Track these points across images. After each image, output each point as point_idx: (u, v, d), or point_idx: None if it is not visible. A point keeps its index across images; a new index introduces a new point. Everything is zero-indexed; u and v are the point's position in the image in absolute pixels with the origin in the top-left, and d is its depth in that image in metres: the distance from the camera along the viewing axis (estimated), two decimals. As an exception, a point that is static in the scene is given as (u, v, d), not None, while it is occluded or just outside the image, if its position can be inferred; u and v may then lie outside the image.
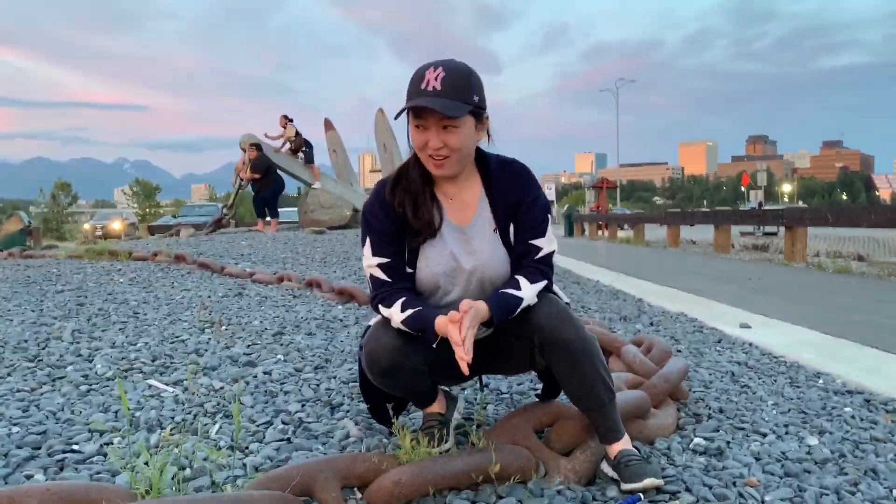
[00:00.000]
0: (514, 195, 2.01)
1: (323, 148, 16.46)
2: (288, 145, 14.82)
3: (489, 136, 2.02)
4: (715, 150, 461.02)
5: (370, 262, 2.00)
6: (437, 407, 2.18)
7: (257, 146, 13.52)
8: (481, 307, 1.85)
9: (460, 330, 1.77)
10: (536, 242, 2.01)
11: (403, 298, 1.92)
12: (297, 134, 14.82)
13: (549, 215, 2.05)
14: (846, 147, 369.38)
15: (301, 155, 14.88)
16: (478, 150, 2.03)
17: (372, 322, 2.06)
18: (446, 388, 2.29)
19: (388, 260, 1.99)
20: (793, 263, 11.10)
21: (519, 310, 1.91)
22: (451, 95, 1.81)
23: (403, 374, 1.95)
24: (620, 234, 24.37)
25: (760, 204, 34.38)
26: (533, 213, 2.00)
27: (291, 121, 14.92)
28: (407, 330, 1.90)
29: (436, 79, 1.82)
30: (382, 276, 1.98)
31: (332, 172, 16.38)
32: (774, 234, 24.74)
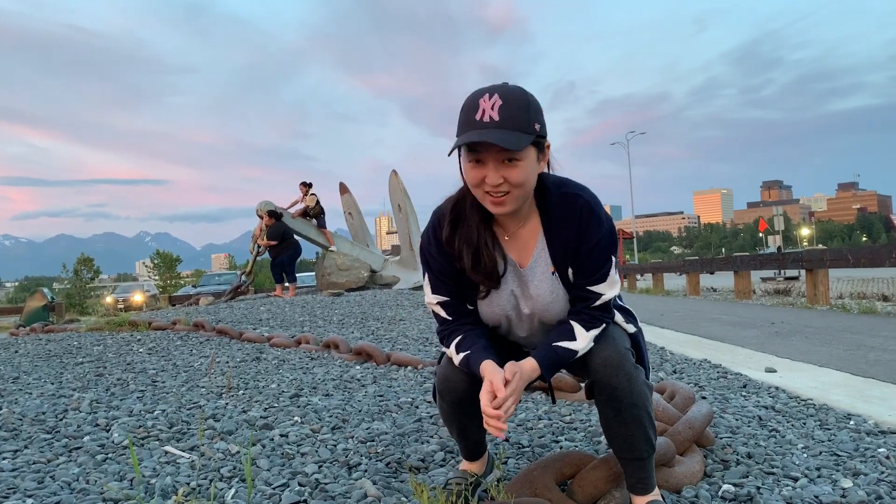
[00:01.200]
0: (574, 236, 1.79)
1: (338, 212, 16.66)
2: (300, 207, 14.95)
3: (549, 165, 1.84)
4: (730, 198, 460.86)
5: (430, 300, 1.93)
6: (477, 467, 2.13)
7: (273, 213, 13.69)
8: (528, 369, 1.76)
9: (499, 396, 1.67)
10: (595, 289, 1.82)
11: (459, 338, 1.86)
12: (318, 202, 15.00)
13: (614, 256, 1.83)
14: (862, 188, 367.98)
15: (314, 220, 15.01)
16: (539, 177, 1.80)
17: (444, 350, 1.99)
18: (491, 452, 2.25)
19: (448, 298, 1.90)
20: (816, 306, 10.94)
21: (577, 355, 1.82)
22: (510, 126, 1.62)
23: (469, 406, 1.89)
24: (639, 283, 24.20)
25: (779, 248, 34.12)
26: (593, 257, 1.79)
27: (310, 186, 15.08)
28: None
29: (492, 108, 1.62)
30: (443, 314, 1.92)
31: (348, 235, 16.51)
32: (796, 278, 24.45)
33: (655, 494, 1.92)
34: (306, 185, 15.08)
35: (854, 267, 10.49)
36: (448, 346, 1.89)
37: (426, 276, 1.92)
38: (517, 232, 1.86)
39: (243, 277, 15.64)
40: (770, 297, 15.09)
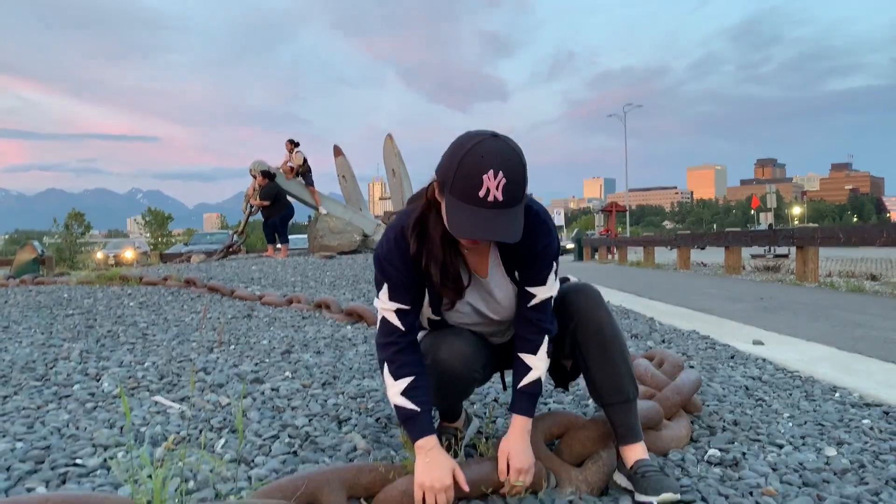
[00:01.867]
0: (525, 243, 1.85)
1: (332, 175, 16.54)
2: (287, 166, 14.79)
3: None
4: (724, 174, 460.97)
5: (386, 306, 1.88)
6: (457, 423, 2.17)
7: (266, 173, 13.59)
8: (522, 433, 1.87)
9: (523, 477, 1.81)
10: (533, 290, 1.90)
11: (410, 380, 1.84)
12: (305, 161, 14.85)
13: (555, 263, 1.92)
14: (856, 169, 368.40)
15: (300, 178, 14.86)
16: None
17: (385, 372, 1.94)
18: (467, 409, 2.29)
19: (407, 307, 1.88)
20: (805, 283, 11.00)
21: (545, 377, 1.95)
22: (512, 204, 1.64)
23: (469, 380, 1.95)
24: (630, 256, 24.27)
25: (771, 226, 34.24)
26: (536, 261, 1.88)
27: (297, 145, 14.92)
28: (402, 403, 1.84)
29: (497, 188, 1.60)
30: (396, 322, 1.88)
31: (341, 199, 16.44)
32: (785, 256, 24.57)
33: (644, 450, 1.95)
34: (293, 143, 14.90)
35: (845, 245, 10.53)
36: (395, 378, 1.85)
37: (384, 285, 1.88)
38: (474, 247, 1.88)
39: (235, 237, 15.59)
40: (760, 273, 15.17)
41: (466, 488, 1.76)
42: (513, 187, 1.63)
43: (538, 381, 1.91)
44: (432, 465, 1.75)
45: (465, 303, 1.95)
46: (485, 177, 1.60)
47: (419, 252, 1.83)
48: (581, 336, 1.96)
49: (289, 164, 14.70)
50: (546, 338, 1.92)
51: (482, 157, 1.61)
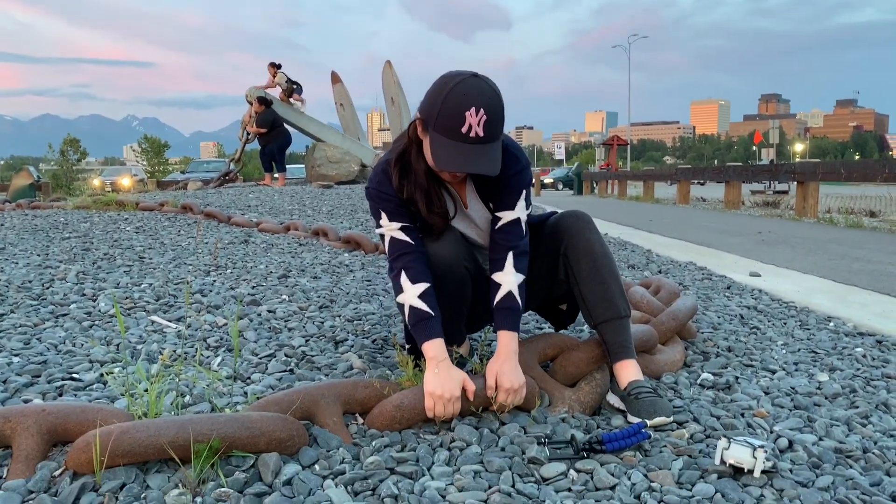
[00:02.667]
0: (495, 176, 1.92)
1: (329, 105, 16.28)
2: (279, 91, 14.53)
3: None
4: (727, 110, 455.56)
5: (390, 227, 1.94)
6: (461, 349, 2.19)
7: (263, 99, 13.37)
8: (510, 347, 1.87)
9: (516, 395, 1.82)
10: (500, 214, 1.98)
11: (426, 286, 1.88)
12: (288, 80, 14.53)
13: (525, 191, 1.99)
14: (860, 106, 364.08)
15: (297, 104, 14.61)
16: None
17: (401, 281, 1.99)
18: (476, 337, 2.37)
19: (410, 225, 1.94)
20: (804, 218, 10.99)
21: (517, 291, 1.93)
22: (492, 140, 1.74)
23: (460, 271, 1.96)
24: (630, 191, 24.18)
25: (772, 162, 34.00)
26: (508, 188, 1.97)
27: (279, 67, 14.60)
28: (418, 305, 1.87)
29: (478, 124, 1.69)
30: (404, 238, 1.93)
31: (339, 127, 16.23)
32: (785, 192, 24.49)
33: (638, 371, 1.96)
34: (275, 66, 14.56)
35: (846, 181, 10.48)
36: (412, 283, 1.88)
37: (381, 212, 1.94)
38: (453, 179, 1.97)
39: (232, 165, 15.46)
40: (759, 208, 15.15)
41: (472, 398, 1.79)
42: (493, 124, 1.72)
43: (510, 295, 1.92)
44: (442, 375, 1.76)
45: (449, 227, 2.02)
46: (467, 114, 1.69)
47: (401, 185, 1.91)
48: (572, 255, 2.02)
49: (275, 87, 14.32)
50: (510, 254, 1.95)
51: (464, 96, 1.70)
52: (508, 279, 1.93)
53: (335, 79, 15.88)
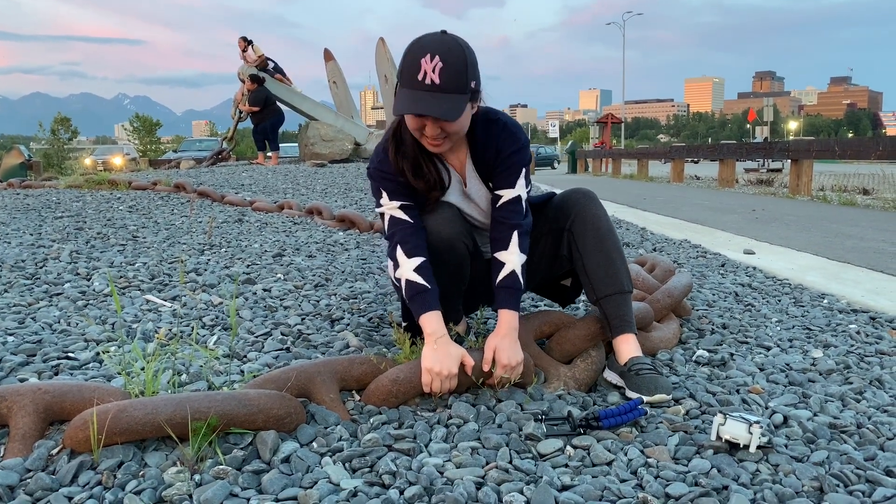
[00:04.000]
0: (494, 153, 1.96)
1: (323, 83, 16.14)
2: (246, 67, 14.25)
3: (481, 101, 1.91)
4: (721, 87, 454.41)
5: (389, 206, 1.94)
6: (459, 328, 2.19)
7: (255, 77, 13.24)
8: (510, 325, 1.87)
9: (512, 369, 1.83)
10: (500, 192, 1.98)
11: (422, 259, 1.89)
12: (263, 57, 14.28)
13: (524, 170, 1.99)
14: (854, 84, 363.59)
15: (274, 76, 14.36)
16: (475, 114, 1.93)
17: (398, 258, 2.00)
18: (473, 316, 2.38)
19: (410, 203, 1.94)
20: (798, 196, 11.00)
21: (520, 271, 1.93)
22: (450, 89, 1.70)
23: (458, 247, 1.95)
24: (624, 169, 24.16)
25: (766, 140, 33.99)
26: (505, 165, 1.96)
27: (251, 43, 14.36)
28: (414, 278, 1.87)
29: (433, 70, 1.67)
30: (403, 216, 1.93)
31: (332, 105, 16.12)
32: (779, 170, 24.52)
33: (637, 348, 1.96)
34: (246, 41, 14.29)
35: (840, 159, 10.49)
36: (407, 257, 1.88)
37: (382, 192, 1.95)
38: (448, 156, 1.99)
39: (225, 143, 15.36)
40: (753, 186, 15.16)
41: (470, 373, 1.79)
42: (450, 72, 1.69)
43: (513, 275, 1.92)
44: (440, 351, 1.76)
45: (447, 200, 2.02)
46: (422, 60, 1.68)
47: (396, 159, 1.91)
48: (578, 229, 2.02)
49: (251, 62, 14.00)
50: (515, 233, 1.94)
51: (422, 46, 1.71)
52: (512, 258, 1.93)
53: (328, 56, 15.74)
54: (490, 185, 2.00)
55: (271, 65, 14.24)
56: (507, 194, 1.97)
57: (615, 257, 2.00)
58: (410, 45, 1.73)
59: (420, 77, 1.68)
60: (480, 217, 2.06)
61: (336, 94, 15.89)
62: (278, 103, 13.86)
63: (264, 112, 13.23)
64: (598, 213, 2.03)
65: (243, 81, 13.49)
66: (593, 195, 2.08)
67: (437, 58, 1.68)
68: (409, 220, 1.93)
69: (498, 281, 1.93)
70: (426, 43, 1.71)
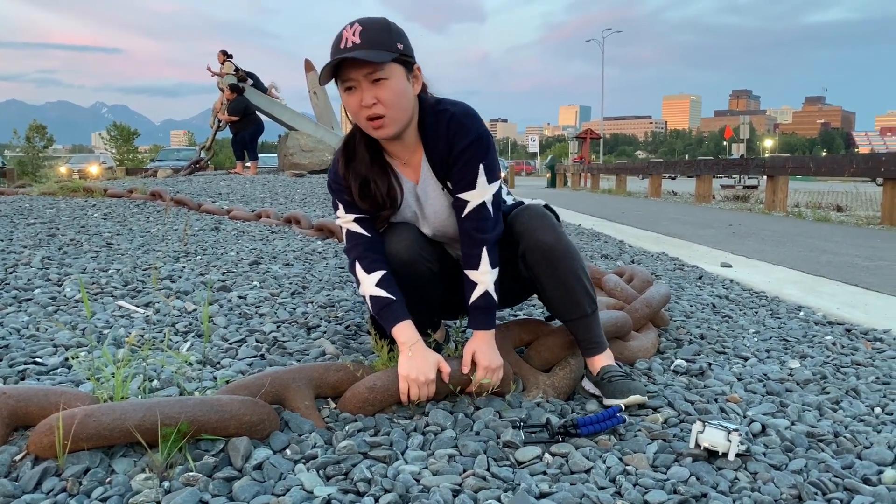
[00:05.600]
0: (446, 148, 1.85)
1: (303, 94, 16.10)
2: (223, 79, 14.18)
3: (425, 86, 1.86)
4: (699, 104, 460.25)
5: (346, 219, 1.92)
6: (437, 335, 2.17)
7: (235, 87, 13.18)
8: (486, 342, 1.84)
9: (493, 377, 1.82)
10: (463, 196, 1.86)
11: (383, 273, 1.86)
12: (237, 69, 14.24)
13: (483, 164, 1.85)
14: (829, 103, 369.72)
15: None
16: (421, 102, 1.86)
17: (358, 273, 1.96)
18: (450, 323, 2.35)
19: (365, 216, 1.90)
20: (773, 212, 11.13)
21: (493, 288, 1.86)
22: (371, 46, 1.68)
23: (421, 270, 1.91)
24: (603, 184, 24.33)
25: (743, 156, 34.40)
26: (460, 163, 1.84)
27: (230, 57, 14.34)
28: (379, 293, 1.84)
29: (353, 34, 1.68)
30: (360, 230, 1.90)
31: (312, 116, 16.07)
32: (755, 187, 24.82)
33: (609, 357, 1.95)
34: (225, 55, 14.26)
35: (815, 175, 10.64)
36: (367, 273, 1.86)
37: (338, 204, 1.92)
38: (410, 159, 1.92)
39: (202, 153, 15.24)
40: (729, 202, 15.32)
41: (447, 380, 1.77)
42: (370, 32, 1.69)
43: (487, 294, 1.85)
44: (416, 358, 1.73)
45: (402, 214, 1.97)
46: (343, 31, 1.71)
47: (346, 172, 1.88)
48: (530, 258, 1.89)
49: (222, 76, 13.93)
50: (484, 249, 1.85)
51: (346, 24, 1.73)
52: (484, 278, 1.85)
53: (308, 67, 15.70)
54: (449, 186, 1.90)
55: (251, 82, 14.18)
56: (471, 200, 1.85)
57: (572, 283, 1.87)
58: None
59: (342, 45, 1.69)
60: (437, 223, 1.97)
61: (316, 104, 15.86)
62: (258, 113, 13.80)
63: (243, 122, 13.16)
64: (546, 240, 1.85)
65: (222, 91, 13.42)
66: (542, 214, 1.91)
67: (356, 24, 1.70)
68: (366, 233, 1.90)
69: (471, 301, 1.87)
70: (351, 21, 1.74)
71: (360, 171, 1.87)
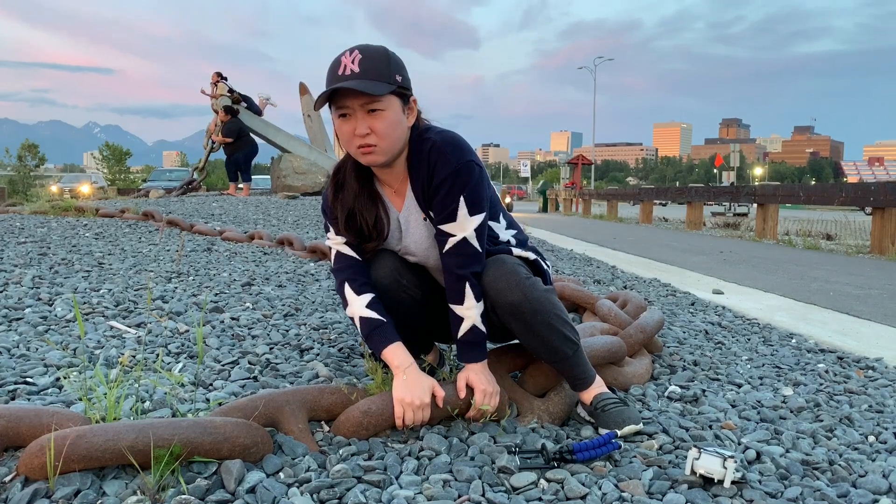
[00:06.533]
0: (427, 176, 1.81)
1: (297, 117, 16.16)
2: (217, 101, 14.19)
3: (419, 115, 1.85)
4: (689, 132, 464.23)
5: (336, 241, 1.92)
6: (430, 358, 2.18)
7: (229, 108, 13.21)
8: (479, 373, 1.82)
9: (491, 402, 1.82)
10: (445, 228, 1.81)
11: (373, 295, 1.86)
12: (231, 91, 14.27)
13: (464, 196, 1.79)
14: (817, 133, 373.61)
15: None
16: (412, 131, 1.84)
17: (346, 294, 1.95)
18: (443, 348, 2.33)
19: (355, 233, 1.90)
20: (764, 239, 11.20)
21: (480, 321, 1.84)
22: (370, 76, 1.67)
23: (402, 297, 1.90)
24: (594, 209, 24.44)
25: (733, 184, 34.67)
26: (441, 194, 1.80)
27: (225, 79, 14.39)
28: (369, 315, 1.84)
29: (353, 62, 1.68)
30: (349, 252, 1.91)
31: (306, 139, 16.12)
32: (745, 214, 24.99)
33: (600, 385, 1.93)
34: (220, 77, 14.30)
35: (805, 203, 10.72)
36: (357, 294, 1.86)
37: (330, 226, 1.93)
38: (400, 187, 1.91)
39: (195, 174, 15.23)
40: (720, 229, 15.40)
41: (441, 405, 1.76)
42: (369, 61, 1.69)
43: (474, 329, 1.83)
44: (411, 382, 1.73)
45: (390, 244, 1.96)
46: (342, 57, 1.70)
47: (335, 200, 1.89)
48: (500, 314, 1.83)
49: (216, 98, 13.94)
50: (466, 284, 1.81)
51: (342, 52, 1.73)
52: (470, 313, 1.82)
53: (303, 90, 15.78)
54: (431, 215, 1.86)
55: (245, 104, 14.21)
56: (453, 234, 1.81)
57: (546, 333, 1.80)
58: (333, 60, 1.74)
59: (341, 72, 1.68)
60: (419, 252, 1.94)
61: (310, 127, 15.91)
62: (252, 135, 13.83)
63: (238, 143, 13.18)
64: (513, 300, 1.77)
65: (216, 112, 13.44)
66: (509, 271, 1.79)
67: (356, 52, 1.70)
68: (356, 256, 1.91)
69: (459, 336, 1.85)
70: (347, 49, 1.73)
71: (347, 202, 1.87)
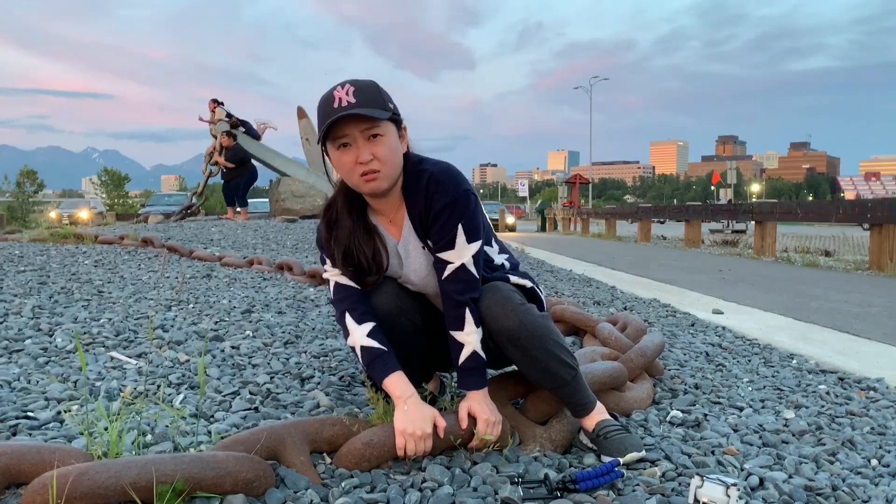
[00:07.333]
0: (425, 206, 1.84)
1: (295, 139, 16.23)
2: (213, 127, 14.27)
3: (409, 148, 1.88)
4: (686, 150, 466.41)
5: (333, 272, 1.92)
6: (430, 386, 2.17)
7: (230, 134, 13.27)
8: (479, 401, 1.82)
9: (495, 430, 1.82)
10: (444, 256, 1.84)
11: (374, 324, 1.86)
12: (229, 115, 14.33)
13: (461, 224, 1.82)
14: (813, 149, 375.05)
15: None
16: (405, 160, 1.86)
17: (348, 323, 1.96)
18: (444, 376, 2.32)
19: (353, 269, 1.90)
20: (762, 257, 11.21)
21: (479, 347, 1.85)
22: (368, 105, 1.71)
23: (402, 323, 1.90)
24: (593, 228, 24.49)
25: (730, 201, 34.77)
26: (439, 223, 1.83)
27: (221, 104, 14.47)
28: (370, 344, 1.84)
29: (347, 94, 1.71)
30: (348, 283, 1.90)
31: (304, 162, 16.18)
32: (743, 231, 25.05)
33: (601, 411, 1.93)
34: (217, 103, 14.39)
35: (802, 221, 10.75)
36: (358, 323, 1.87)
37: (326, 259, 1.93)
38: (395, 216, 1.92)
39: (194, 199, 15.27)
40: (718, 247, 15.43)
41: (442, 435, 1.76)
42: (362, 92, 1.72)
43: (475, 355, 1.84)
44: (412, 412, 1.73)
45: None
46: (335, 92, 1.73)
47: (329, 237, 1.89)
48: (497, 341, 1.85)
49: (214, 123, 14.00)
50: (466, 310, 1.83)
51: (333, 86, 1.76)
52: (470, 339, 1.83)
53: (301, 114, 15.86)
54: (429, 244, 1.88)
55: (243, 129, 14.28)
56: (451, 261, 1.83)
57: (544, 359, 1.81)
58: (323, 95, 1.76)
59: (336, 105, 1.70)
60: (418, 280, 1.95)
61: (308, 150, 15.97)
62: (252, 161, 13.88)
63: (240, 169, 13.23)
64: (509, 326, 1.79)
65: (215, 137, 13.50)
66: (503, 298, 1.83)
67: (347, 85, 1.73)
68: (355, 286, 1.91)
69: (460, 363, 1.85)
70: (338, 84, 1.76)
71: (343, 239, 1.88)
